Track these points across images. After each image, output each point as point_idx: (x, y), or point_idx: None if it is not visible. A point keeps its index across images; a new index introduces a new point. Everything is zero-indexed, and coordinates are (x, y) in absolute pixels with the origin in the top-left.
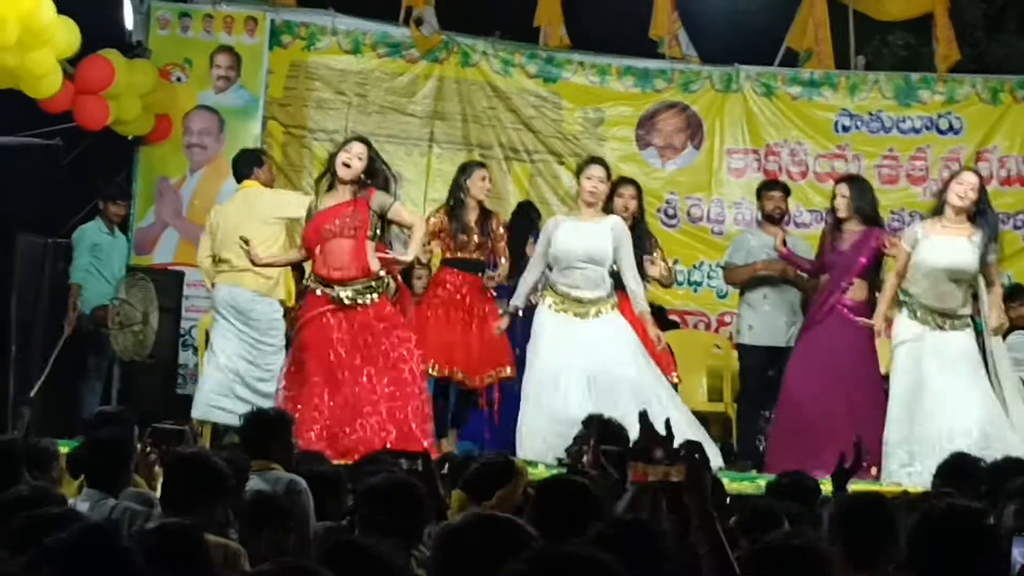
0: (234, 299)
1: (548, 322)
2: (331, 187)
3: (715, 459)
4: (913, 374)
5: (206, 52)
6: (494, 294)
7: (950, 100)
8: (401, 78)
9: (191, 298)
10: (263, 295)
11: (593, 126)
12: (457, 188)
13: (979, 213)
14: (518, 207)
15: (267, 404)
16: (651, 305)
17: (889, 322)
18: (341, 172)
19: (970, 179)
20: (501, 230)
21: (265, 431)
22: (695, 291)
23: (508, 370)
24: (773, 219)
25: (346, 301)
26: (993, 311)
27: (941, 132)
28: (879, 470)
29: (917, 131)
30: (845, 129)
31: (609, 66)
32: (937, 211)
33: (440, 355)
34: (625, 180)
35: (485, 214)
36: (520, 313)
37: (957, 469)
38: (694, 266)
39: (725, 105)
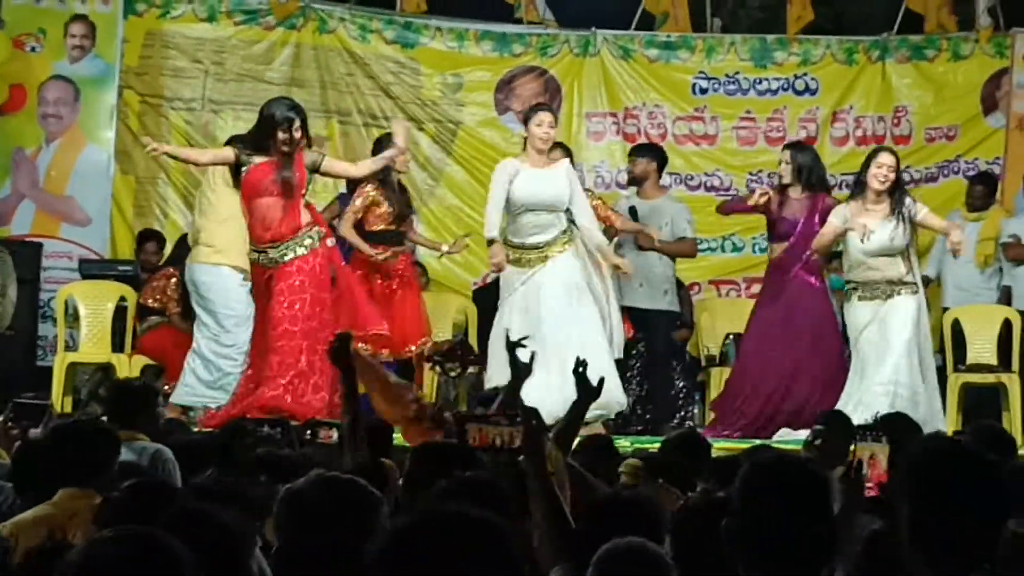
0: (191, 276)
1: (512, 281)
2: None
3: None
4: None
5: (60, 21)
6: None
7: (806, 61)
8: (258, 45)
9: (49, 269)
10: (213, 265)
11: (452, 91)
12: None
13: (897, 187)
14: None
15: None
16: None
17: None
18: (285, 148)
19: (888, 160)
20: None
21: (131, 402)
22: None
23: (428, 344)
24: (638, 183)
25: (281, 258)
26: (949, 231)
27: (798, 93)
28: None
29: (774, 92)
30: (703, 91)
31: (467, 31)
32: (857, 192)
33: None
34: (557, 145)
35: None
36: None
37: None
38: None
39: (583, 69)
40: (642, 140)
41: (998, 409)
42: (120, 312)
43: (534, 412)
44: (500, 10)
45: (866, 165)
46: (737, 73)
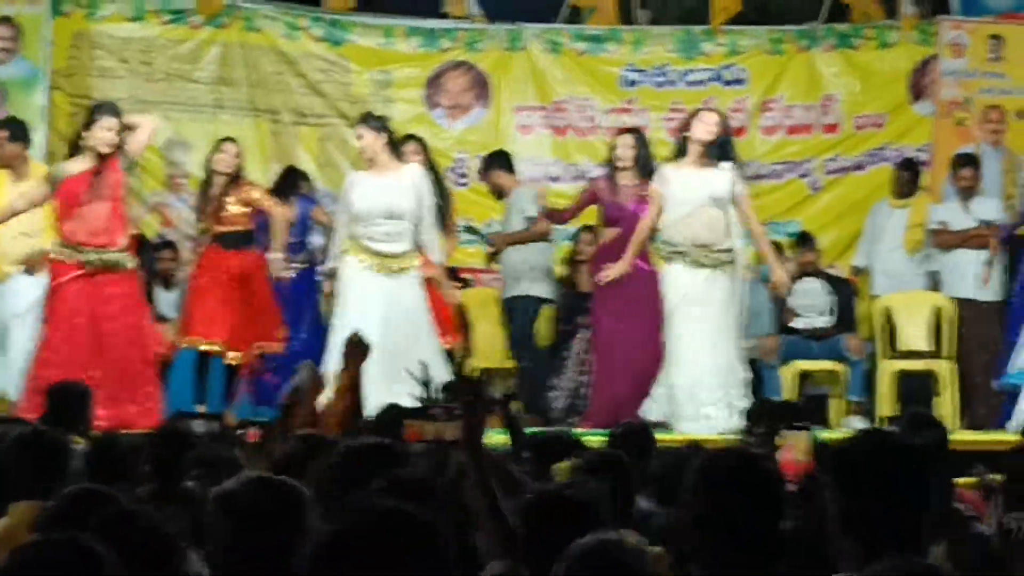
0: None
1: (355, 279)
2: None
3: None
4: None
5: None
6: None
7: (733, 52)
8: (185, 44)
9: None
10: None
11: (381, 88)
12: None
13: (721, 146)
14: (283, 172)
15: None
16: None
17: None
18: (104, 149)
19: (713, 116)
20: (255, 195)
21: (68, 405)
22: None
23: (275, 346)
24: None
25: (98, 264)
26: (773, 267)
27: (726, 83)
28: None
29: (702, 83)
30: (631, 84)
31: (394, 27)
32: (679, 153)
33: (203, 329)
34: (409, 137)
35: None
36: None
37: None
38: (486, 224)
39: (511, 63)
40: (571, 133)
41: (930, 396)
42: None
43: (475, 407)
44: (427, 5)
45: (687, 124)
46: (665, 65)
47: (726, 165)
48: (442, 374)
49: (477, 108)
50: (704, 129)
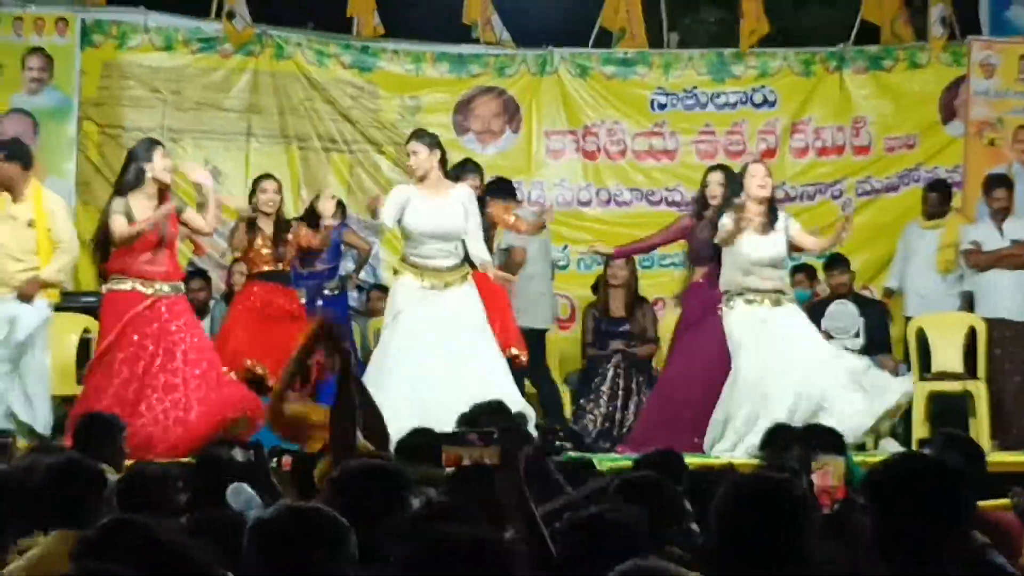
0: None
1: (409, 301)
2: (132, 190)
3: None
4: (758, 352)
5: (17, 54)
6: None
7: (763, 74)
8: (215, 73)
9: None
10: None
11: (410, 114)
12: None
13: (772, 200)
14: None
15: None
16: None
17: None
18: (166, 178)
19: (760, 169)
20: (303, 242)
21: (98, 434)
22: None
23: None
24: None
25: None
26: (830, 241)
27: (756, 106)
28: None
29: (732, 106)
30: (661, 107)
31: (423, 53)
32: (729, 207)
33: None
34: (467, 161)
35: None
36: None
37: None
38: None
39: (541, 88)
40: (602, 157)
41: (965, 417)
42: (84, 344)
43: (512, 430)
44: (457, 32)
45: (740, 180)
46: (695, 88)
47: (781, 219)
48: (506, 382)
49: (507, 133)
50: (756, 185)
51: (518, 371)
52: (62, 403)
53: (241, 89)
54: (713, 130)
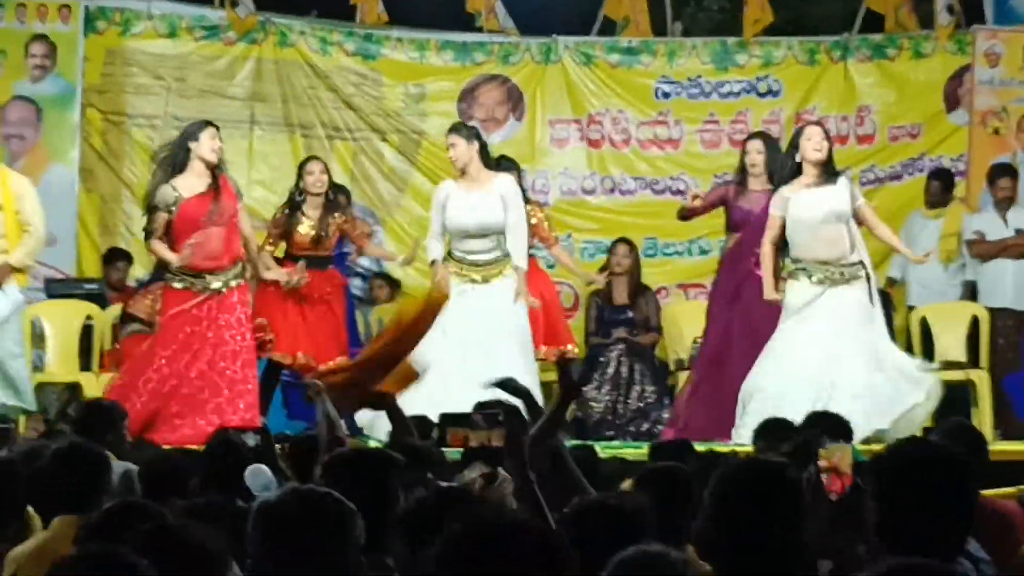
0: None
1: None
2: (180, 172)
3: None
4: (797, 335)
5: (20, 41)
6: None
7: (767, 63)
8: (219, 61)
9: None
10: None
11: (415, 102)
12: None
13: (830, 162)
14: None
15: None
16: None
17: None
18: (212, 158)
19: (817, 131)
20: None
21: (100, 420)
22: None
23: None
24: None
25: (219, 289)
26: (898, 247)
27: (760, 95)
28: None
29: (736, 95)
30: (665, 96)
31: (427, 41)
32: (795, 173)
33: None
34: (502, 158)
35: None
36: None
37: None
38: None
39: (545, 76)
40: (606, 146)
41: (967, 406)
42: (87, 331)
43: (517, 413)
44: (461, 20)
45: (795, 143)
46: (699, 76)
47: (844, 179)
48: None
49: (511, 121)
50: (812, 148)
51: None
52: (65, 389)
53: (245, 77)
54: (717, 119)
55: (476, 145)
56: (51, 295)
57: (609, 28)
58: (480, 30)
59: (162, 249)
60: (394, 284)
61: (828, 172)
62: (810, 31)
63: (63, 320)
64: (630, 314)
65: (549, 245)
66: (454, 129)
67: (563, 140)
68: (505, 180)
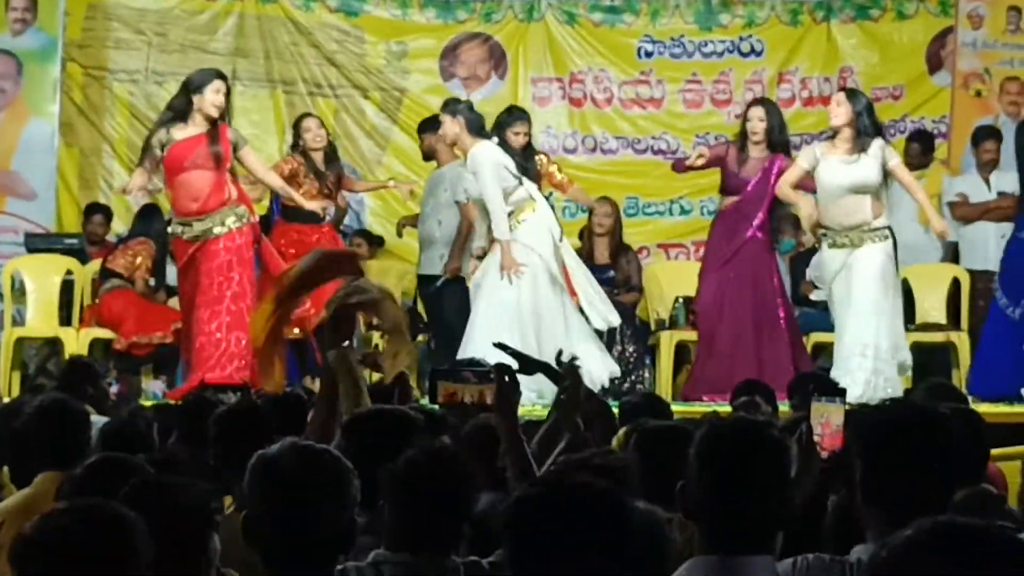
0: None
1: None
2: (180, 120)
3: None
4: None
5: None
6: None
7: (750, 23)
8: (201, 16)
9: None
10: None
11: (396, 59)
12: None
13: (862, 127)
14: None
15: None
16: None
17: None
18: (213, 112)
19: (835, 98)
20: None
21: (82, 376)
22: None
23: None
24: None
25: (198, 236)
26: (930, 214)
27: (743, 55)
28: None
29: (719, 55)
30: (648, 55)
31: None
32: (831, 135)
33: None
34: (513, 109)
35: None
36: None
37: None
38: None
39: (528, 34)
40: (588, 105)
41: (948, 368)
42: (67, 286)
43: (507, 370)
44: None
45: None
46: (682, 36)
47: (876, 145)
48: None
49: (493, 79)
50: (832, 115)
51: None
52: (44, 344)
53: (227, 32)
54: (700, 79)
55: (461, 120)
56: (31, 250)
57: None
58: None
59: (136, 173)
60: (375, 241)
61: (864, 134)
62: None
63: (43, 275)
64: (612, 273)
65: (564, 190)
66: (442, 107)
67: (545, 99)
68: (473, 153)
